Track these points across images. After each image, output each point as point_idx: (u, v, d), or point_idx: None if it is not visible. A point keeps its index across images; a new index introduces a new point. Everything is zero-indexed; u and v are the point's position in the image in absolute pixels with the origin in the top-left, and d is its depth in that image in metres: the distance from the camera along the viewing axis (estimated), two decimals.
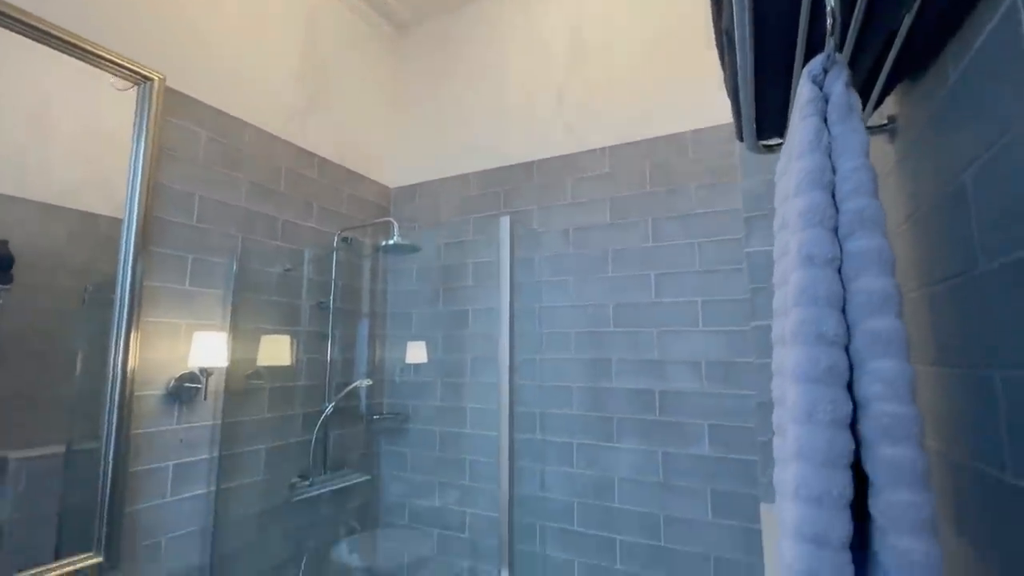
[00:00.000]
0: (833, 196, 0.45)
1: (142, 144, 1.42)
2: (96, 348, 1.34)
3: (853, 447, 0.38)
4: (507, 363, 1.51)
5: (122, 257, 1.39)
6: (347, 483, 2.05)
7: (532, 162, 2.13)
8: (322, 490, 1.94)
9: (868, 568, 0.39)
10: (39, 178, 1.27)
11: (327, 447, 2.01)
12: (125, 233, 1.40)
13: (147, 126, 1.44)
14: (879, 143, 0.78)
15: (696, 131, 1.81)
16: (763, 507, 1.24)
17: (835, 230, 0.44)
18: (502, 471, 1.31)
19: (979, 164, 0.45)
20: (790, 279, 0.46)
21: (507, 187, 2.17)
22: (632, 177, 1.91)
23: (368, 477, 2.18)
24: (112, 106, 1.40)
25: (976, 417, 0.47)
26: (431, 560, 2.11)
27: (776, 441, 0.55)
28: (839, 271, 0.43)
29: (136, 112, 1.44)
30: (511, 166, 2.18)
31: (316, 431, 1.91)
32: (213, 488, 1.59)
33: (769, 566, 1.00)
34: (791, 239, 0.47)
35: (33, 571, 1.17)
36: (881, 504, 0.36)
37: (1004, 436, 0.41)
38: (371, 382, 2.13)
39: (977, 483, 0.47)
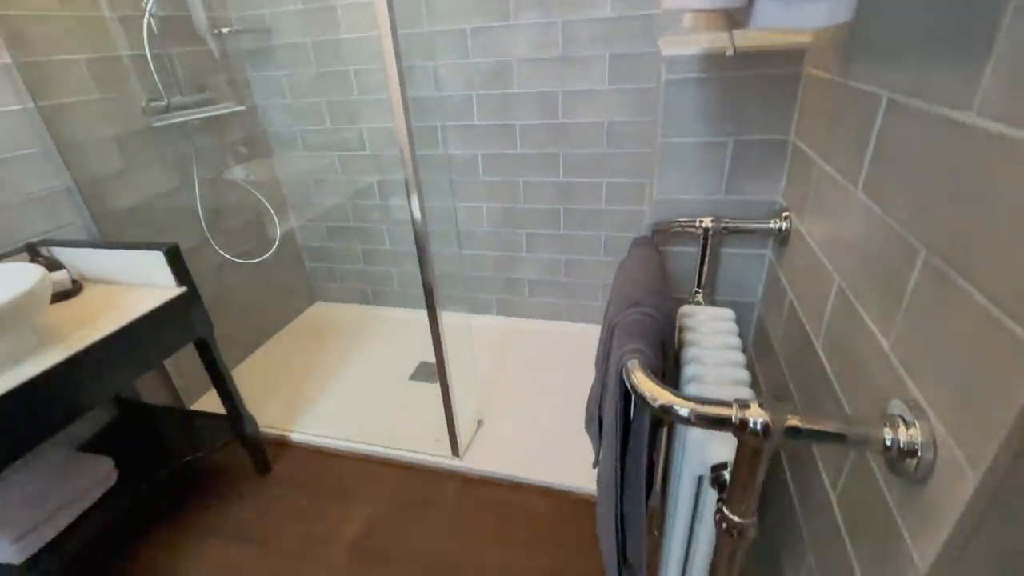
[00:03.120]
0: None
1: None
2: None
3: None
4: None
5: None
6: (218, 111, 1.81)
7: None
8: (189, 117, 1.70)
9: None
10: None
11: (174, 65, 1.66)
12: None
13: None
14: None
15: None
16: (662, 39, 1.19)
17: None
18: (391, 75, 1.13)
19: None
20: None
21: None
22: None
23: (243, 107, 1.93)
24: None
25: None
26: (335, 179, 2.11)
27: None
28: None
29: None
30: None
31: (146, 40, 1.53)
32: (31, 105, 1.29)
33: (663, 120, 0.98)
34: None
35: None
36: None
37: None
38: None
39: None
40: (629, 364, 0.52)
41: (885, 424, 0.42)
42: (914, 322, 0.44)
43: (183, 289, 1.22)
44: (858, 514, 0.51)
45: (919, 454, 0.40)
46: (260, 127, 2.06)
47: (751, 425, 0.43)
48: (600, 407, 0.70)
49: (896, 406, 0.43)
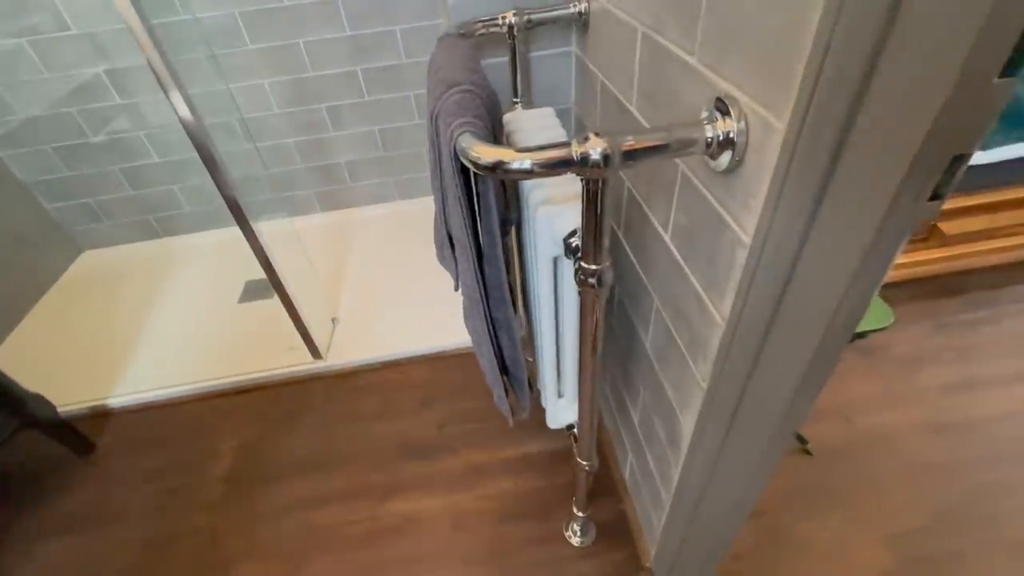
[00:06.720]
0: None
1: None
2: None
3: None
4: None
5: None
6: None
7: None
8: None
9: None
10: None
11: None
12: None
13: None
14: None
15: None
16: None
17: None
18: None
19: None
20: None
21: None
22: None
23: None
24: None
25: None
26: (37, 77, 1.56)
27: None
28: None
29: None
30: None
31: None
32: None
33: None
34: None
35: None
36: None
37: None
38: None
39: None
40: (460, 139, 0.47)
41: (705, 123, 0.44)
42: (712, 20, 0.44)
43: None
44: (686, 237, 0.57)
45: (735, 139, 0.43)
46: None
47: (592, 156, 0.42)
48: (447, 223, 0.66)
49: (712, 104, 0.45)
